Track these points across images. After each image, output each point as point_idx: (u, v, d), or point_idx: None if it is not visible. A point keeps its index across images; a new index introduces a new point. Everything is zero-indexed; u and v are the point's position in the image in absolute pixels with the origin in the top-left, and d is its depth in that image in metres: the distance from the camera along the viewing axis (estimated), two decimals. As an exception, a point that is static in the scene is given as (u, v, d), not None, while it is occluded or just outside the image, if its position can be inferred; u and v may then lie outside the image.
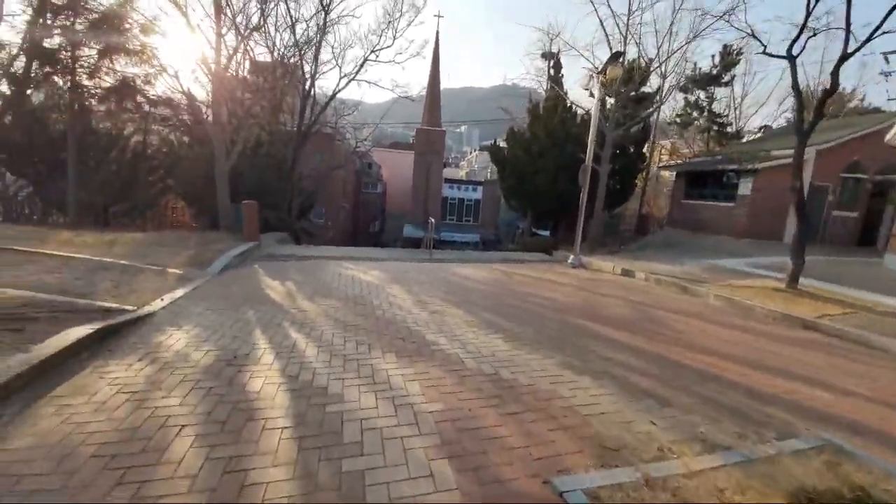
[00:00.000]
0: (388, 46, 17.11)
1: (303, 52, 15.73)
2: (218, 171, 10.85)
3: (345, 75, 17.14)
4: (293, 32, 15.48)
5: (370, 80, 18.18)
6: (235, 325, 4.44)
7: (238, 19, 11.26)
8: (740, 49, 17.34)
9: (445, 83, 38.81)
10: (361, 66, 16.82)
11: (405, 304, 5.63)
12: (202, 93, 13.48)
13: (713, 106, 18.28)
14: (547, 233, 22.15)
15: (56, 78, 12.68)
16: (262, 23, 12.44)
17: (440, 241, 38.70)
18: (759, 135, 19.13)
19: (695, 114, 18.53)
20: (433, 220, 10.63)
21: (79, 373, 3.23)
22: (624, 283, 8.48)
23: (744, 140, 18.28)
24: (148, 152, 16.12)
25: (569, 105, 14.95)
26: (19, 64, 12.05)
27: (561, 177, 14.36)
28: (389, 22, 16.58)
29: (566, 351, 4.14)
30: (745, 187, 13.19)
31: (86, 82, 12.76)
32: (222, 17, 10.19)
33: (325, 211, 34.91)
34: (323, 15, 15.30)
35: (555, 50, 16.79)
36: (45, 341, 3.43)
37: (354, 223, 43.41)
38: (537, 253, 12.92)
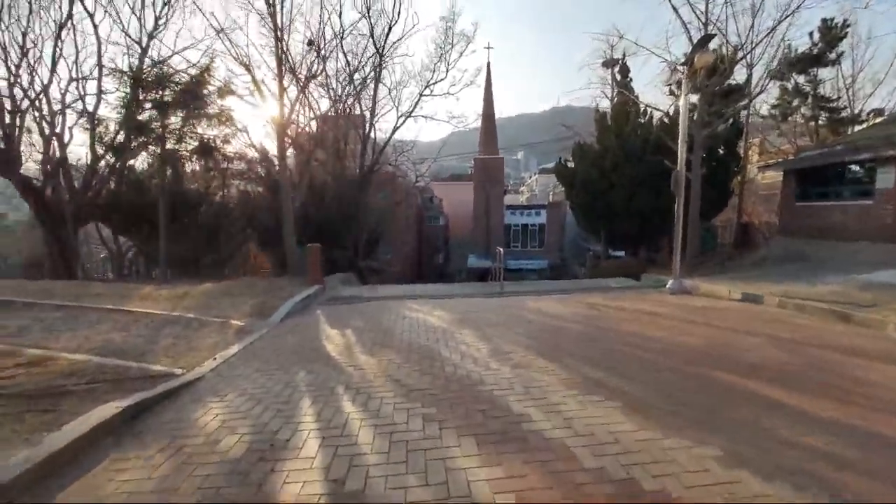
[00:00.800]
0: (441, 79, 17.03)
1: (360, 95, 16.07)
2: (285, 216, 10.90)
3: (402, 114, 17.26)
4: (351, 80, 15.94)
5: (426, 115, 18.19)
6: (283, 393, 3.73)
7: (298, 71, 11.61)
8: (845, 21, 14.68)
9: (499, 111, 38.53)
10: (417, 102, 16.84)
11: (480, 356, 4.61)
12: (272, 145, 14.16)
13: (818, 90, 15.47)
14: (621, 253, 20.05)
15: (150, 146, 13.94)
16: (319, 71, 12.79)
17: (507, 270, 37.37)
18: (879, 120, 15.87)
19: (796, 102, 15.82)
20: (500, 249, 9.62)
21: (91, 469, 2.62)
22: (751, 311, 6.71)
23: (865, 125, 15.21)
24: (229, 206, 17.21)
25: (643, 110, 13.46)
26: (119, 137, 13.45)
27: (639, 191, 12.73)
28: (441, 55, 16.54)
29: (723, 430, 2.82)
30: (885, 179, 10.58)
31: (173, 147, 13.90)
32: (283, 69, 10.50)
33: (391, 247, 35.49)
34: (378, 58, 15.61)
35: (618, 56, 15.54)
36: (64, 427, 2.92)
37: (419, 256, 43.68)
38: (621, 278, 11.28)
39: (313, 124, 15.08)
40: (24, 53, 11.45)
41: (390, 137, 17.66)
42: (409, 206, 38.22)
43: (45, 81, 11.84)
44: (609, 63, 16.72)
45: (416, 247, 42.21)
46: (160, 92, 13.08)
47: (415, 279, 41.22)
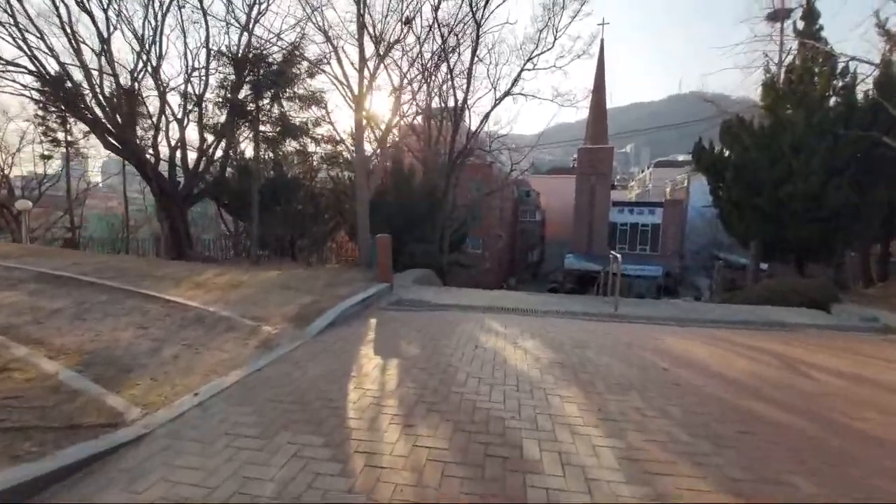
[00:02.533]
0: (547, 49, 14.46)
1: (453, 71, 14.32)
2: (358, 202, 9.66)
3: (498, 97, 15.13)
4: (444, 54, 14.25)
5: (527, 94, 15.73)
6: (233, 498, 2.05)
7: (381, 39, 10.21)
8: None
9: (608, 101, 33.93)
10: (517, 77, 14.54)
11: (603, 473, 2.42)
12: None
13: None
14: (765, 266, 15.35)
15: (247, 128, 13.98)
16: (403, 36, 11.25)
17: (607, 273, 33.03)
18: None
19: None
20: (616, 254, 7.06)
21: None
22: None
23: None
24: (316, 189, 17.01)
25: (841, 69, 9.26)
26: (221, 118, 13.65)
27: (833, 183, 8.81)
28: (548, 20, 13.94)
29: None
30: None
31: (264, 129, 13.74)
32: (363, 34, 9.15)
33: (482, 241, 33.63)
34: (475, 28, 13.67)
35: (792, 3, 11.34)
36: None
37: (511, 252, 41.17)
38: (800, 308, 7.78)
39: (396, 104, 13.69)
40: (142, 40, 11.92)
41: (485, 119, 15.68)
42: (504, 199, 35.89)
43: (155, 64, 12.21)
44: (778, 14, 12.46)
45: (510, 242, 39.74)
46: (257, 72, 12.86)
47: (506, 276, 38.85)
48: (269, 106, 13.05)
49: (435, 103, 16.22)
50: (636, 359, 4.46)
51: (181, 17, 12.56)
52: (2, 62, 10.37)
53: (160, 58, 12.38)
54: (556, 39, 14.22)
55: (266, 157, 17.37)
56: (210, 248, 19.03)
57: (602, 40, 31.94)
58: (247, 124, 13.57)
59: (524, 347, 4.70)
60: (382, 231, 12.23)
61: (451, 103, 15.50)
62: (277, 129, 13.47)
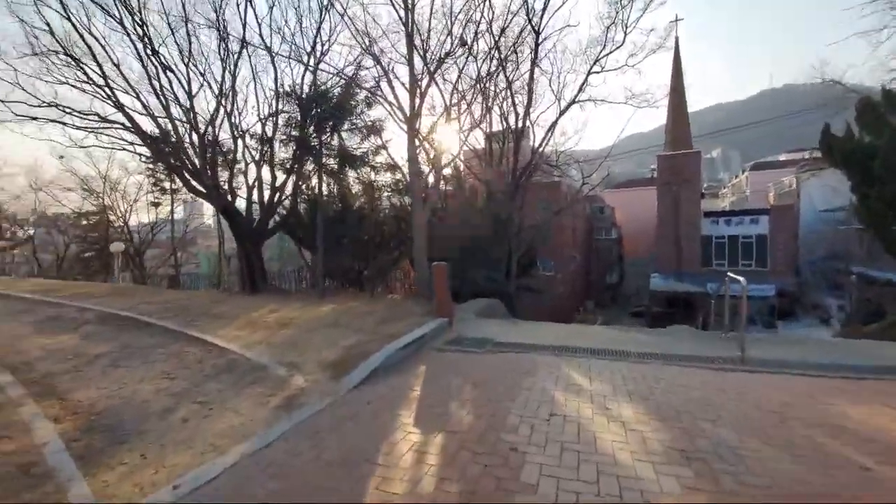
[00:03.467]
0: (616, 48, 12.96)
1: (511, 84, 13.42)
2: (415, 229, 8.94)
3: (563, 107, 13.87)
4: (501, 65, 13.43)
5: (596, 99, 14.22)
6: None
7: (431, 54, 9.66)
8: None
9: (688, 104, 30.67)
10: (585, 81, 13.19)
11: None
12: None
13: None
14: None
15: (309, 161, 14.26)
16: (453, 49, 10.57)
17: (707, 295, 28.80)
18: None
19: None
20: (740, 278, 5.33)
21: None
22: None
23: None
24: (380, 218, 16.87)
25: None
26: (286, 155, 14.10)
27: None
28: (616, 15, 12.52)
29: None
30: None
31: (327, 161, 13.90)
32: (412, 49, 8.64)
33: (554, 263, 31.54)
34: (534, 36, 12.72)
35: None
36: None
37: (587, 274, 38.21)
38: None
39: (450, 122, 13.03)
40: (221, 91, 12.76)
41: (550, 132, 14.40)
42: (576, 216, 33.63)
43: (229, 110, 12.96)
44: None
45: (584, 263, 36.95)
46: (318, 109, 13.11)
47: (582, 300, 35.92)
48: (329, 139, 13.18)
49: (496, 122, 15.39)
50: (805, 444, 2.88)
51: (252, 65, 13.31)
52: (97, 119, 11.58)
53: (234, 104, 13.16)
54: (626, 35, 12.71)
55: (332, 189, 17.79)
56: (285, 281, 19.76)
57: (676, 38, 29.19)
58: (310, 159, 13.81)
59: (622, 418, 3.34)
60: (444, 258, 11.46)
61: (511, 119, 14.55)
62: (337, 161, 13.52)
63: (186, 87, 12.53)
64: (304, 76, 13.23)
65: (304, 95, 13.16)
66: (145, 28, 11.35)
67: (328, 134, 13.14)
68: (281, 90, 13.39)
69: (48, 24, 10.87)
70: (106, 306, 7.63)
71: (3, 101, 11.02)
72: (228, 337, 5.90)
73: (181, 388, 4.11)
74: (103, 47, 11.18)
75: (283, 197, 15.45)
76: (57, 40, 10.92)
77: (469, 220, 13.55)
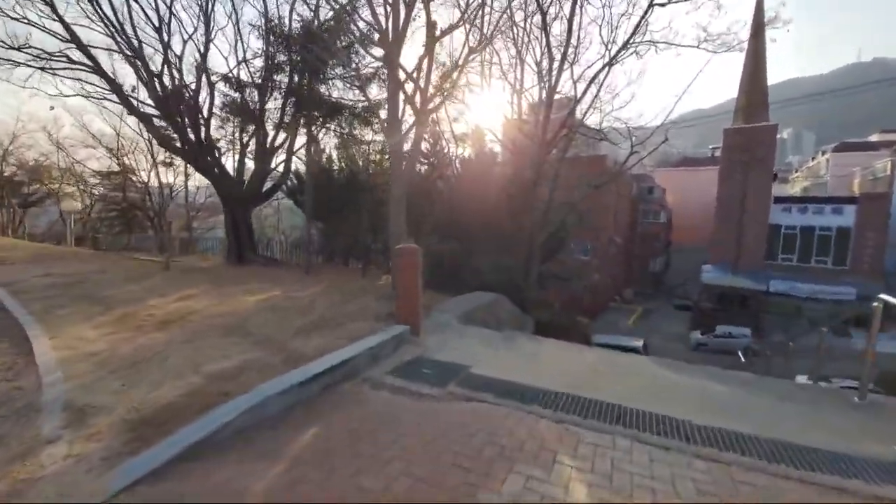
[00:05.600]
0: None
1: (549, 21, 10.45)
2: (392, 199, 6.62)
3: (613, 54, 10.77)
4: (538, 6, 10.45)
5: (657, 42, 10.99)
6: None
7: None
8: None
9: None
10: (645, 14, 10.03)
11: None
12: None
13: None
14: None
15: (291, 109, 12.07)
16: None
17: (773, 295, 24.72)
18: None
19: None
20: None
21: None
22: None
23: None
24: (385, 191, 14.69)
25: None
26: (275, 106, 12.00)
27: None
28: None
29: None
30: None
31: (319, 115, 11.68)
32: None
33: (591, 246, 28.29)
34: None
35: None
36: None
37: (627, 261, 34.57)
38: None
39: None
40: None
41: (592, 84, 11.39)
42: (620, 195, 29.87)
43: (202, 51, 10.89)
44: None
45: (626, 248, 33.30)
46: (307, 51, 10.78)
47: (619, 289, 32.49)
48: (313, 84, 10.89)
49: (529, 78, 12.51)
50: None
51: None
52: (66, 61, 9.69)
53: (207, 44, 11.10)
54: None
55: (327, 151, 15.67)
56: (282, 251, 18.16)
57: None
58: (302, 112, 11.65)
59: None
60: (451, 241, 9.11)
61: (544, 67, 11.63)
62: (327, 115, 11.28)
63: (156, 19, 10.55)
64: (291, 9, 10.90)
65: (290, 33, 10.89)
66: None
67: (320, 82, 10.88)
68: (264, 27, 11.16)
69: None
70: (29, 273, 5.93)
71: None
72: (67, 339, 3.95)
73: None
74: None
75: (276, 156, 13.48)
76: None
77: (485, 195, 11.04)
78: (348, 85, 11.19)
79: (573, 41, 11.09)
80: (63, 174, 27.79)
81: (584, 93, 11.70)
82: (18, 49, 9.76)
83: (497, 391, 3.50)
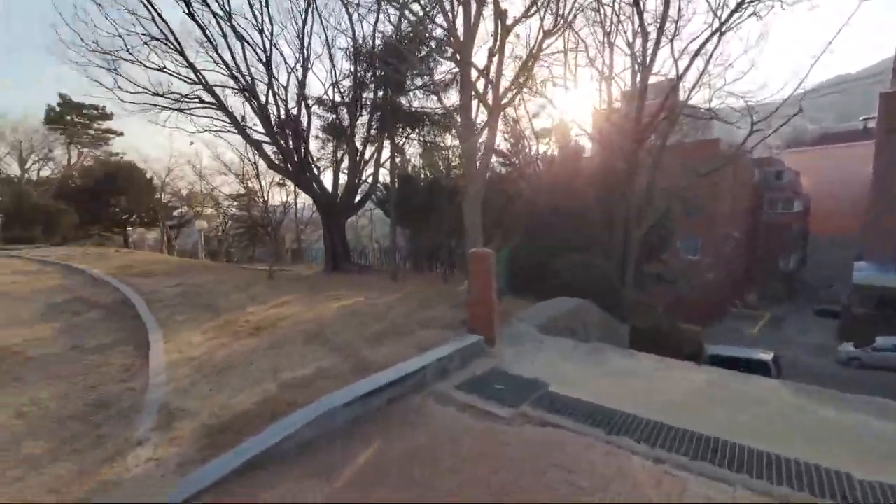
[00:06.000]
0: None
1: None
2: (466, 199, 6.39)
3: (723, 23, 9.19)
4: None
5: (783, -4, 9.10)
6: None
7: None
8: None
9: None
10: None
11: None
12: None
13: None
14: None
15: (377, 124, 12.55)
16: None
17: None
18: None
19: None
20: None
21: None
22: None
23: None
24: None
25: None
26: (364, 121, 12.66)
27: None
28: None
29: None
30: None
31: (402, 126, 12.02)
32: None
33: (701, 242, 24.84)
34: None
35: None
36: None
37: (749, 258, 29.66)
38: None
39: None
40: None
41: (691, 65, 9.88)
42: (738, 182, 25.74)
43: (301, 79, 11.94)
44: None
45: (746, 243, 28.60)
46: (388, 66, 11.17)
47: (740, 292, 27.95)
48: (395, 97, 11.21)
49: (619, 62, 11.40)
50: None
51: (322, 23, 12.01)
52: (199, 102, 11.37)
53: (305, 71, 12.15)
54: None
55: (409, 160, 16.09)
56: (374, 259, 19.10)
57: None
58: (385, 124, 12.12)
59: None
60: (533, 242, 8.61)
61: (637, 47, 10.42)
62: (404, 122, 11.52)
63: (264, 58, 11.84)
64: (374, 29, 11.42)
65: (374, 52, 11.40)
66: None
67: (402, 94, 11.19)
68: (352, 50, 11.87)
69: (157, 14, 10.61)
70: (134, 287, 7.09)
71: (155, 94, 11.41)
72: (178, 343, 4.44)
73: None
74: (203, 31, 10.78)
75: (365, 169, 14.25)
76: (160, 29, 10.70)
77: (571, 191, 10.23)
78: (427, 93, 11.33)
79: (671, 14, 9.77)
80: (204, 198, 33.12)
81: (687, 69, 10.23)
82: (162, 95, 11.69)
83: (578, 416, 3.00)
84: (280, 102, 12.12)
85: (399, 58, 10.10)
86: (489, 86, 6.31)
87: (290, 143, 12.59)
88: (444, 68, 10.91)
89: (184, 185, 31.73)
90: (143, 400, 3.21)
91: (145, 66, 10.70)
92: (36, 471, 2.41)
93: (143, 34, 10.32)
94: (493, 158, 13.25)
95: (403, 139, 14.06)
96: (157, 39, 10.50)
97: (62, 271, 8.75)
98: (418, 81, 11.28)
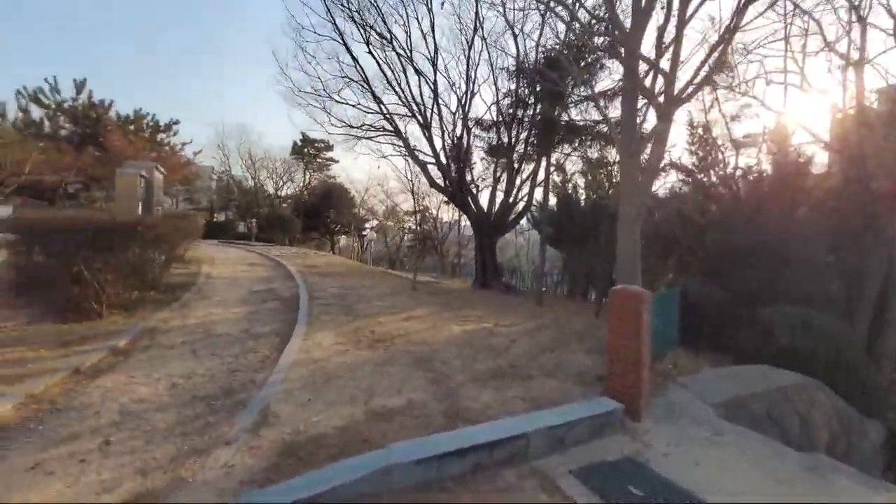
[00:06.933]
0: None
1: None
2: (620, 220, 5.14)
3: None
4: None
5: None
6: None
7: None
8: None
9: None
10: None
11: None
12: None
13: None
14: None
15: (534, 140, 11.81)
16: None
17: None
18: None
19: None
20: None
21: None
22: None
23: None
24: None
25: None
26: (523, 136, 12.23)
27: None
28: None
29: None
30: None
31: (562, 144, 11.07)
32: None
33: None
34: None
35: None
36: None
37: None
38: None
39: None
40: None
41: None
42: None
43: (466, 107, 12.33)
44: None
45: None
46: (548, 79, 10.50)
47: None
48: (553, 112, 10.34)
49: (879, 43, 8.04)
50: None
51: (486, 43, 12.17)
52: (383, 131, 13.04)
53: (469, 95, 12.52)
54: None
55: (579, 182, 14.79)
56: (525, 280, 18.22)
57: None
58: (536, 137, 11.45)
59: None
60: (720, 282, 6.53)
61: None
62: (563, 136, 10.49)
63: (432, 87, 12.75)
64: (537, 44, 10.92)
65: (535, 66, 10.90)
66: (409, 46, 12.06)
67: (559, 106, 10.35)
68: (513, 68, 11.66)
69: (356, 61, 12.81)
70: (308, 285, 8.16)
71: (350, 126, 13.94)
72: (310, 342, 4.68)
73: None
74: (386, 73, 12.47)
75: (521, 187, 13.81)
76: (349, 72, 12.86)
77: (785, 217, 7.46)
78: (588, 104, 10.16)
79: None
80: (388, 214, 38.28)
81: None
82: (359, 127, 13.74)
83: None
84: (445, 126, 12.81)
85: (559, 70, 9.29)
86: (660, 77, 4.92)
87: (450, 163, 13.13)
88: (606, 78, 9.57)
89: (375, 202, 37.45)
90: (255, 396, 3.33)
91: (345, 103, 12.84)
92: (147, 445, 2.61)
93: (344, 77, 12.43)
94: (672, 175, 10.97)
95: (563, 156, 13.05)
96: (355, 81, 12.46)
97: (273, 266, 10.95)
98: (579, 93, 10.21)
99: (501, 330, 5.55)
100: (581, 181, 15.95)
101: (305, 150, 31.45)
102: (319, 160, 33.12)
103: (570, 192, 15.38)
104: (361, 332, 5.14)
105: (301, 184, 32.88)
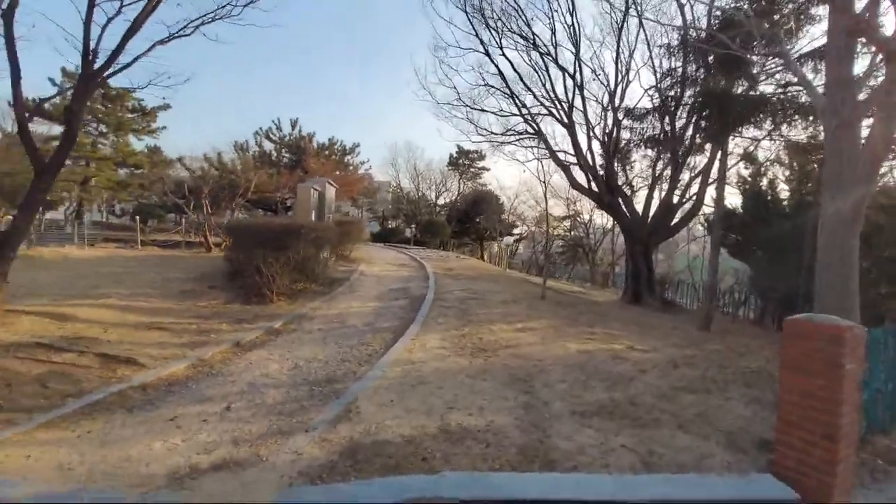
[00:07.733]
0: None
1: None
2: (822, 218, 3.57)
3: None
4: None
5: None
6: None
7: None
8: None
9: None
10: None
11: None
12: None
13: None
14: None
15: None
16: None
17: None
18: None
19: None
20: None
21: None
22: None
23: None
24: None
25: None
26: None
27: None
28: None
29: None
30: None
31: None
32: None
33: None
34: None
35: None
36: None
37: None
38: None
39: None
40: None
41: None
42: None
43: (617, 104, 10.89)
44: None
45: None
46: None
47: None
48: (731, 86, 8.04)
49: None
50: None
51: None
52: (527, 134, 12.68)
53: (618, 85, 11.00)
54: None
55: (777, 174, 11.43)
56: (691, 296, 14.89)
57: None
58: (707, 121, 9.20)
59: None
60: None
61: None
62: (738, 112, 8.04)
63: (578, 82, 11.69)
64: (710, 9, 8.75)
65: (705, 35, 8.77)
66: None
67: (737, 77, 8.07)
68: (684, 38, 9.62)
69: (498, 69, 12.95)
70: (438, 287, 8.39)
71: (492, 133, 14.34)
72: (418, 343, 4.71)
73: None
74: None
75: (690, 184, 11.53)
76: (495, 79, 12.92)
77: None
78: (779, 69, 7.59)
79: None
80: (539, 219, 37.20)
81: None
82: (503, 133, 13.70)
83: None
84: (590, 121, 11.59)
85: (739, 32, 7.20)
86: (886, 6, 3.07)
87: (596, 162, 11.80)
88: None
89: (525, 207, 36.99)
90: (349, 388, 3.46)
91: (485, 111, 12.96)
92: (252, 417, 2.96)
93: (485, 85, 12.55)
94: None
95: (751, 142, 10.16)
96: (496, 87, 12.45)
97: (416, 267, 11.80)
98: (769, 54, 7.67)
99: (632, 355, 4.52)
100: (781, 174, 12.29)
101: (460, 161, 33.43)
102: (473, 169, 34.73)
103: (763, 188, 11.99)
104: (468, 339, 4.93)
105: (455, 192, 35.06)
